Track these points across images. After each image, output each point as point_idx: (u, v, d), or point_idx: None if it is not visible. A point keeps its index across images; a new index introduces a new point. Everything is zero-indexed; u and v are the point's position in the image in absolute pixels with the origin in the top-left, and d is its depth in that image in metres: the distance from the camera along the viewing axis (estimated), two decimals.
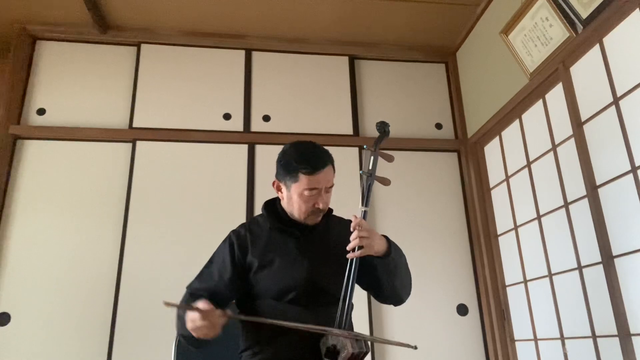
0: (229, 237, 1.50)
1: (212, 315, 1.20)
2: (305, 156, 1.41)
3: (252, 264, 1.44)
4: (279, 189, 1.48)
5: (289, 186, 1.43)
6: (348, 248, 1.34)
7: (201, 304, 1.22)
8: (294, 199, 1.43)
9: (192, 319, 1.22)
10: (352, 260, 1.36)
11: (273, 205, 1.54)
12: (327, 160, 1.43)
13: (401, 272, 1.44)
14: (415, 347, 1.25)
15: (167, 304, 1.14)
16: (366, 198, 1.43)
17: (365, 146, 1.52)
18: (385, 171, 3.29)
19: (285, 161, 1.43)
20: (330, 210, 1.55)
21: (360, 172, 1.46)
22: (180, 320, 1.30)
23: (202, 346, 1.36)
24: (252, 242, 1.47)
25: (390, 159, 1.54)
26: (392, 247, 1.40)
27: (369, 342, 1.37)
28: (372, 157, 1.49)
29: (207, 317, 1.20)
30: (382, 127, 1.55)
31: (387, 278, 1.41)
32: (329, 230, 1.51)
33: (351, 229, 1.35)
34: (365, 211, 1.41)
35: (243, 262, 1.46)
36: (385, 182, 1.51)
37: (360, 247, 1.33)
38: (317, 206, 1.42)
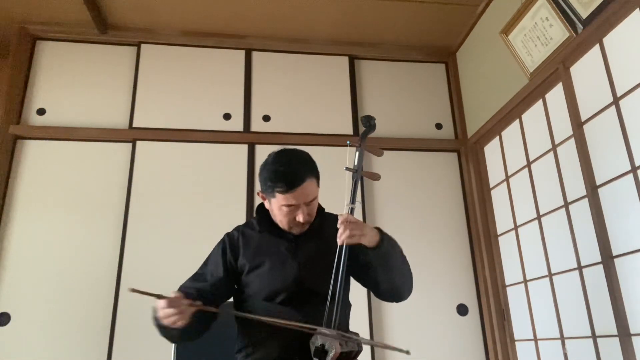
0: (222, 240, 1.53)
1: (178, 303, 1.21)
2: (279, 174, 1.36)
3: (244, 266, 1.46)
4: (264, 199, 1.49)
5: (269, 200, 1.44)
6: (339, 238, 1.30)
7: (171, 293, 1.23)
8: (275, 212, 1.44)
9: (160, 306, 1.22)
10: (339, 258, 1.33)
11: (266, 208, 1.54)
12: (303, 177, 1.37)
13: (397, 264, 1.41)
14: (408, 352, 1.22)
15: (132, 290, 1.16)
16: (353, 195, 1.39)
17: (348, 142, 1.49)
18: (385, 171, 3.27)
19: (263, 178, 1.41)
20: (322, 209, 1.56)
21: (345, 168, 1.42)
22: (154, 310, 1.30)
23: (176, 338, 1.36)
24: (244, 245, 1.49)
25: (379, 153, 1.51)
26: (384, 237, 1.36)
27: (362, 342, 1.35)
28: (357, 153, 1.45)
29: (173, 305, 1.20)
30: (368, 120, 1.51)
31: (383, 271, 1.39)
32: (322, 229, 1.50)
33: (337, 226, 1.31)
34: (352, 208, 1.37)
35: (235, 265, 1.48)
36: (374, 177, 1.48)
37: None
38: (298, 219, 1.40)
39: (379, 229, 1.38)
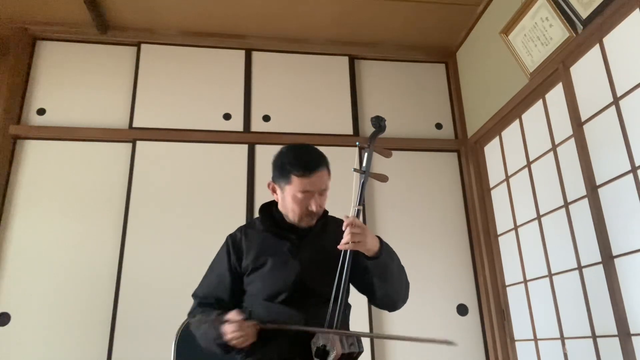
0: (226, 242, 1.54)
1: (245, 326, 1.27)
2: (298, 159, 1.40)
3: (248, 266, 1.47)
4: (274, 191, 1.50)
5: (283, 188, 1.44)
6: (341, 244, 1.32)
7: (232, 315, 1.28)
8: (287, 201, 1.44)
9: (229, 331, 1.28)
10: (343, 260, 1.34)
11: (269, 208, 1.55)
12: (321, 163, 1.42)
13: (393, 276, 1.42)
14: (453, 343, 1.19)
15: (192, 322, 1.25)
16: (359, 196, 1.40)
17: (358, 143, 1.50)
18: (385, 171, 3.27)
19: (280, 163, 1.44)
20: (326, 211, 1.56)
21: (353, 169, 1.43)
22: (215, 331, 1.33)
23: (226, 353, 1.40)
24: (247, 246, 1.50)
25: (387, 154, 1.51)
26: (384, 248, 1.37)
27: (362, 342, 1.35)
28: (366, 154, 1.45)
29: (241, 329, 1.26)
30: (378, 122, 1.52)
31: (379, 281, 1.39)
32: (325, 231, 1.51)
33: (343, 227, 1.33)
34: (358, 209, 1.38)
35: (239, 266, 1.49)
36: (382, 179, 1.48)
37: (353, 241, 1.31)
38: (311, 209, 1.42)
39: (379, 239, 1.39)
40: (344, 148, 2.90)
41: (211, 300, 1.45)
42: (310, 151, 1.45)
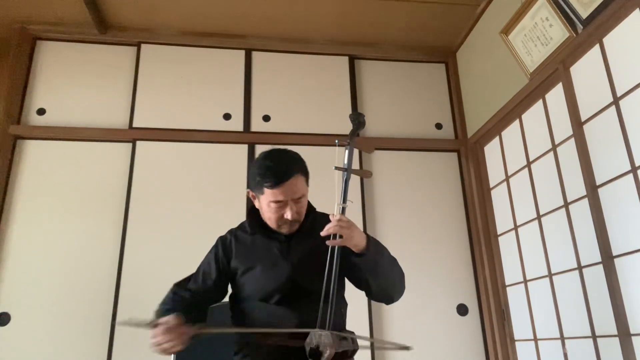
0: (215, 244, 1.55)
1: (175, 332, 1.22)
2: (267, 169, 1.38)
3: (237, 268, 1.48)
4: (254, 198, 1.49)
5: (258, 197, 1.45)
6: (324, 232, 1.30)
7: (166, 318, 1.24)
8: (264, 210, 1.45)
9: (154, 334, 1.24)
10: (332, 257, 1.33)
11: (257, 210, 1.54)
12: (292, 172, 1.39)
13: (385, 270, 1.41)
14: (408, 348, 1.23)
15: (122, 324, 1.15)
16: (343, 194, 1.39)
17: (337, 141, 1.47)
18: (385, 171, 3.25)
19: (252, 173, 1.43)
20: (313, 208, 1.56)
21: (334, 167, 1.41)
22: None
23: None
24: (236, 248, 1.50)
25: (369, 149, 1.51)
26: (371, 244, 1.35)
27: (357, 340, 1.35)
28: (346, 151, 1.44)
29: (167, 333, 1.22)
30: (357, 118, 1.50)
31: (371, 276, 1.39)
32: (314, 228, 1.48)
33: (330, 224, 1.31)
34: (343, 207, 1.37)
35: (227, 267, 1.50)
36: (366, 174, 1.48)
37: (340, 237, 1.29)
38: (286, 217, 1.41)
39: (366, 235, 1.38)
40: (344, 148, 2.89)
41: (186, 294, 1.45)
42: (281, 159, 1.42)
